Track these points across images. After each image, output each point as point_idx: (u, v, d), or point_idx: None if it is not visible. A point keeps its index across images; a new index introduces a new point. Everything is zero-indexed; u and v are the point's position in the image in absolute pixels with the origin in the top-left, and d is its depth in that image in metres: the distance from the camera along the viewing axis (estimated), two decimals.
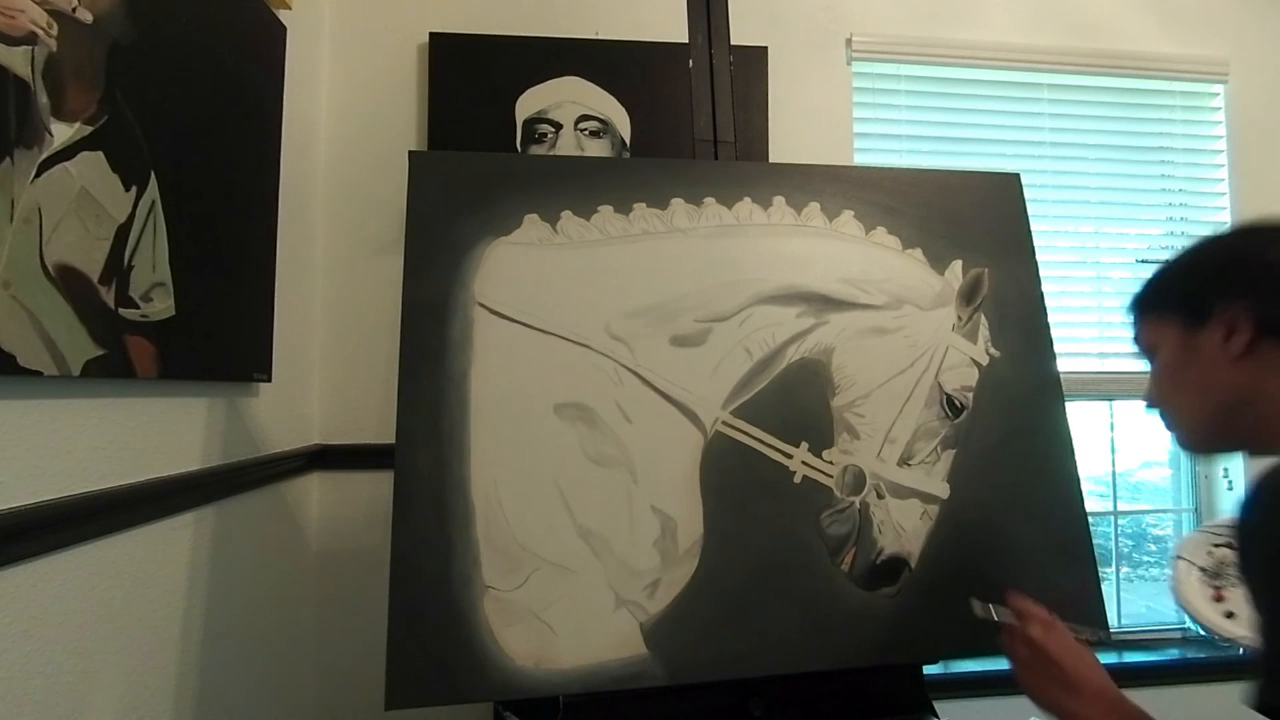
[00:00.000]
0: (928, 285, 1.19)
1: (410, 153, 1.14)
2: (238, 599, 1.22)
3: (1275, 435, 0.68)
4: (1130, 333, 0.87)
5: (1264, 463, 0.65)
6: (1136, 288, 0.85)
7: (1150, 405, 0.82)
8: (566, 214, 1.12)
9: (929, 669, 1.09)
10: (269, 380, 1.32)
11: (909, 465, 1.11)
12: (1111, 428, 1.99)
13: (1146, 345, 0.82)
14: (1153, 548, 2.07)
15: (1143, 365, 0.85)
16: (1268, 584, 0.58)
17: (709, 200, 1.17)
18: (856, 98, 1.87)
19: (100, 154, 0.84)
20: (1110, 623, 1.10)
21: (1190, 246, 0.81)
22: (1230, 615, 1.56)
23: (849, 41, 1.85)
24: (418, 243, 1.07)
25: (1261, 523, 0.59)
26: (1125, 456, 2.00)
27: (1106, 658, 1.73)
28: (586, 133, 1.71)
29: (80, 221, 0.81)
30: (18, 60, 0.72)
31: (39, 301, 0.75)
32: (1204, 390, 0.74)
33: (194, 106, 1.06)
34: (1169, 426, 0.80)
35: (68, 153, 0.79)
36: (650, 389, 1.07)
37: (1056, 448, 1.16)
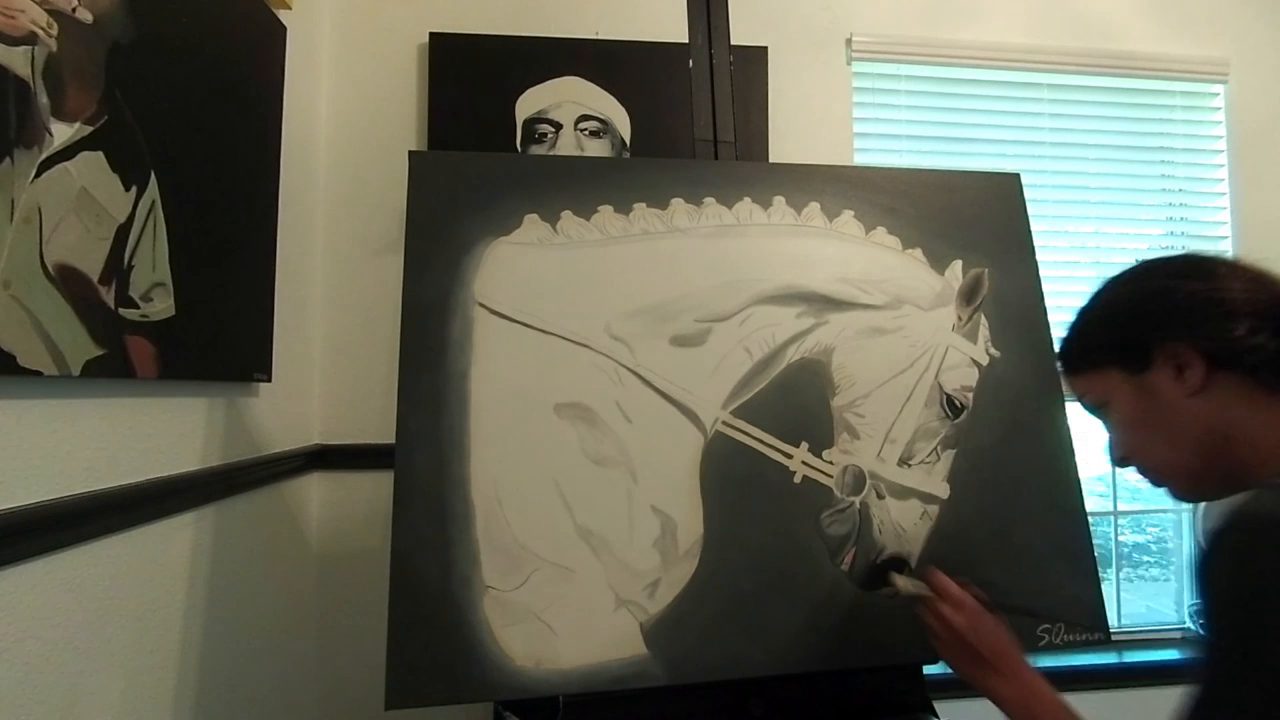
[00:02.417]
0: (928, 285, 1.19)
1: (410, 153, 1.14)
2: (238, 599, 1.22)
3: (1256, 463, 0.65)
4: (1072, 391, 0.84)
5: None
6: (1061, 348, 0.83)
7: (1121, 462, 0.78)
8: (566, 214, 1.12)
9: (929, 669, 1.09)
10: (269, 380, 1.32)
11: (909, 465, 1.11)
12: None
13: (1095, 401, 0.79)
14: (1153, 548, 2.07)
15: None
16: (1222, 638, 0.56)
17: (709, 200, 1.17)
18: (856, 98, 1.87)
19: (100, 154, 0.84)
20: (1110, 623, 1.10)
21: (1100, 293, 0.80)
22: None
23: (849, 41, 1.85)
24: (418, 243, 1.07)
25: (1221, 571, 0.56)
26: None
27: (1107, 657, 1.74)
28: (586, 133, 1.71)
29: (80, 221, 0.81)
30: (18, 60, 0.72)
31: (39, 301, 0.75)
32: (1175, 433, 0.71)
33: (194, 106, 1.06)
34: (1154, 481, 0.76)
35: (68, 153, 0.79)
36: (650, 389, 1.07)
37: (1056, 448, 1.16)
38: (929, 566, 0.93)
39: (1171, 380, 0.70)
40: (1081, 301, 0.84)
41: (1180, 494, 0.76)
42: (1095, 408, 0.79)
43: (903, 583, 0.93)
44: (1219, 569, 0.56)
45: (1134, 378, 0.73)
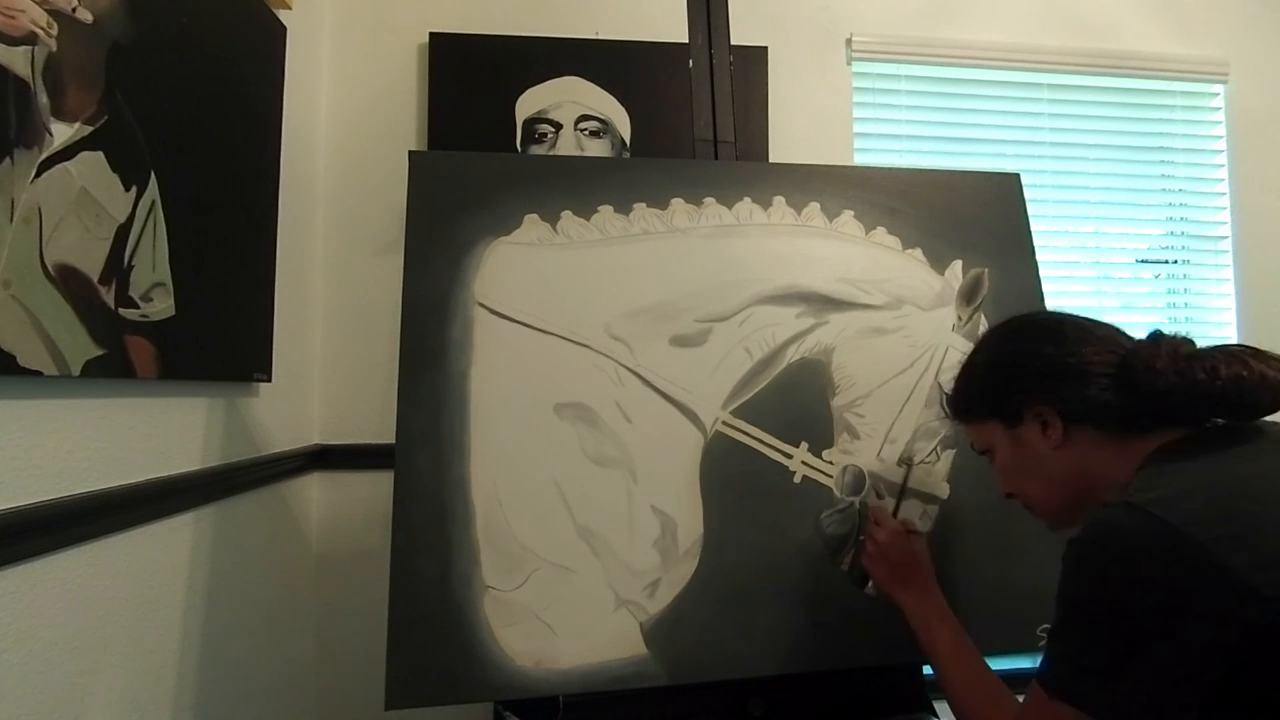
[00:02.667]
0: (928, 285, 1.19)
1: (410, 153, 1.14)
2: (238, 599, 1.22)
3: (1108, 494, 0.75)
4: (963, 435, 0.96)
5: None
6: (949, 395, 0.95)
7: (1007, 496, 0.90)
8: (566, 214, 1.12)
9: (929, 669, 1.09)
10: (269, 380, 1.32)
11: (909, 466, 1.11)
12: None
13: (981, 447, 0.91)
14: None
15: None
16: (1063, 595, 0.69)
17: (709, 200, 1.17)
18: (856, 98, 1.87)
19: (100, 154, 0.84)
20: None
21: (979, 350, 0.92)
22: None
23: (849, 41, 1.85)
24: (418, 243, 1.07)
25: (1068, 566, 0.70)
26: None
27: None
28: (586, 133, 1.71)
29: (80, 221, 0.81)
30: (18, 60, 0.72)
31: (39, 301, 0.75)
32: (1045, 477, 0.84)
33: (194, 106, 1.06)
34: (1031, 510, 0.89)
35: (68, 153, 0.79)
36: (650, 389, 1.07)
37: None
38: (875, 504, 1.07)
39: (1039, 434, 0.82)
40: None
41: (1052, 525, 0.87)
42: (983, 451, 0.91)
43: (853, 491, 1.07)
44: (1068, 565, 0.70)
45: (1010, 430, 0.85)
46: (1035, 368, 0.83)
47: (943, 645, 0.91)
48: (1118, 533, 0.66)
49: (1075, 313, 0.88)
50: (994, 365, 0.89)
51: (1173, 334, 0.80)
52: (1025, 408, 0.83)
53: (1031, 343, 0.86)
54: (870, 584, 1.04)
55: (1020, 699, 0.76)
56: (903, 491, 1.09)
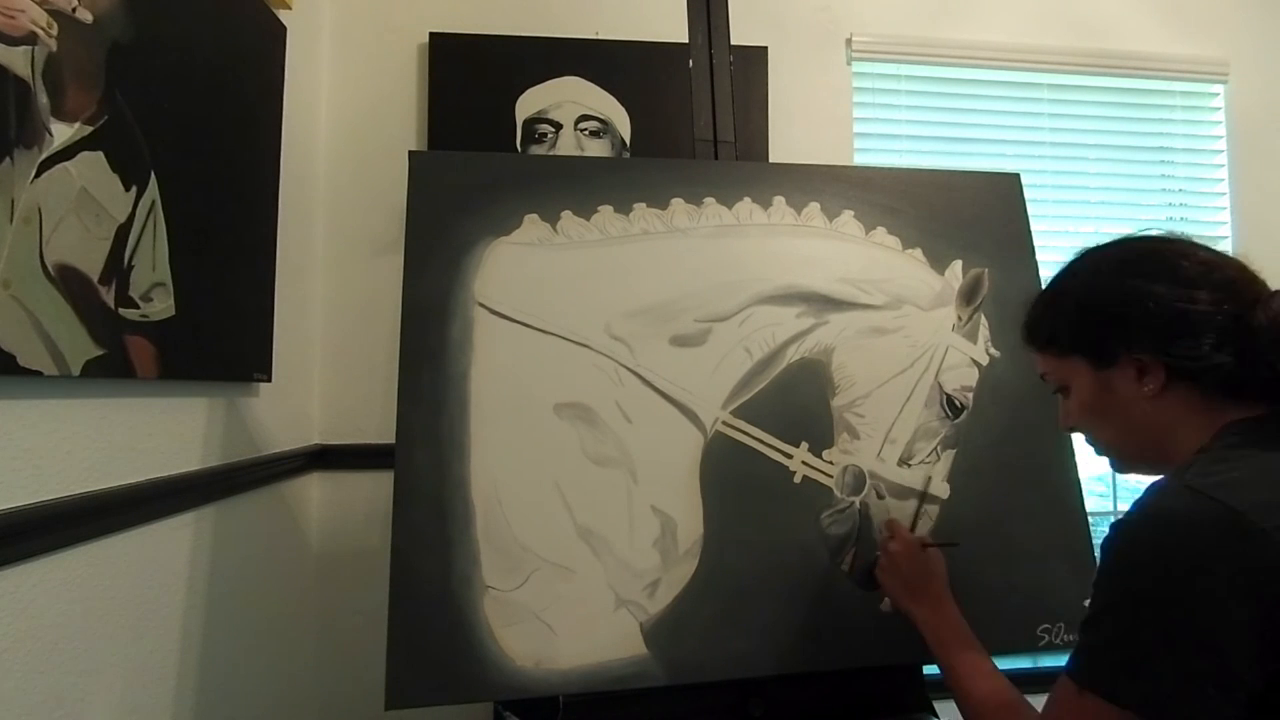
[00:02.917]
0: (928, 285, 1.19)
1: (410, 153, 1.14)
2: (238, 599, 1.22)
3: (1182, 456, 0.72)
4: (1034, 363, 0.87)
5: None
6: (1027, 319, 0.86)
7: (1068, 430, 0.85)
8: (566, 214, 1.12)
9: (929, 669, 1.09)
10: (269, 380, 1.32)
11: (909, 465, 1.11)
12: None
13: (1057, 381, 0.84)
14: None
15: None
16: (1113, 575, 0.66)
17: (709, 200, 1.17)
18: (856, 98, 1.87)
19: (100, 154, 0.84)
20: None
21: (1073, 277, 0.83)
22: None
23: (849, 41, 1.85)
24: (418, 243, 1.07)
25: (1116, 550, 0.66)
26: None
27: None
28: (586, 133, 1.71)
29: (80, 221, 0.81)
30: (18, 60, 0.72)
31: (39, 301, 0.75)
32: (1126, 424, 0.78)
33: (194, 106, 1.06)
34: (1097, 450, 0.84)
35: (68, 153, 0.79)
36: (650, 389, 1.07)
37: (1056, 448, 1.16)
38: (890, 518, 1.05)
39: (1132, 381, 0.75)
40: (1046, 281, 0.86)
41: (1117, 467, 0.83)
42: (1055, 386, 0.84)
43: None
44: (1117, 549, 0.65)
45: (1097, 371, 0.78)
46: (1144, 310, 0.73)
47: (957, 659, 0.88)
48: (1178, 517, 0.62)
49: (1195, 240, 0.78)
50: (1094, 299, 0.79)
51: None
52: (1123, 352, 0.75)
53: (1142, 278, 0.75)
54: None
55: (1038, 708, 0.73)
56: (921, 503, 1.10)
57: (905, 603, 0.96)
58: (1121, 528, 0.66)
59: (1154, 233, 0.82)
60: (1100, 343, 0.77)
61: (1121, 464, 0.82)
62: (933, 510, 1.10)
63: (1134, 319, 0.75)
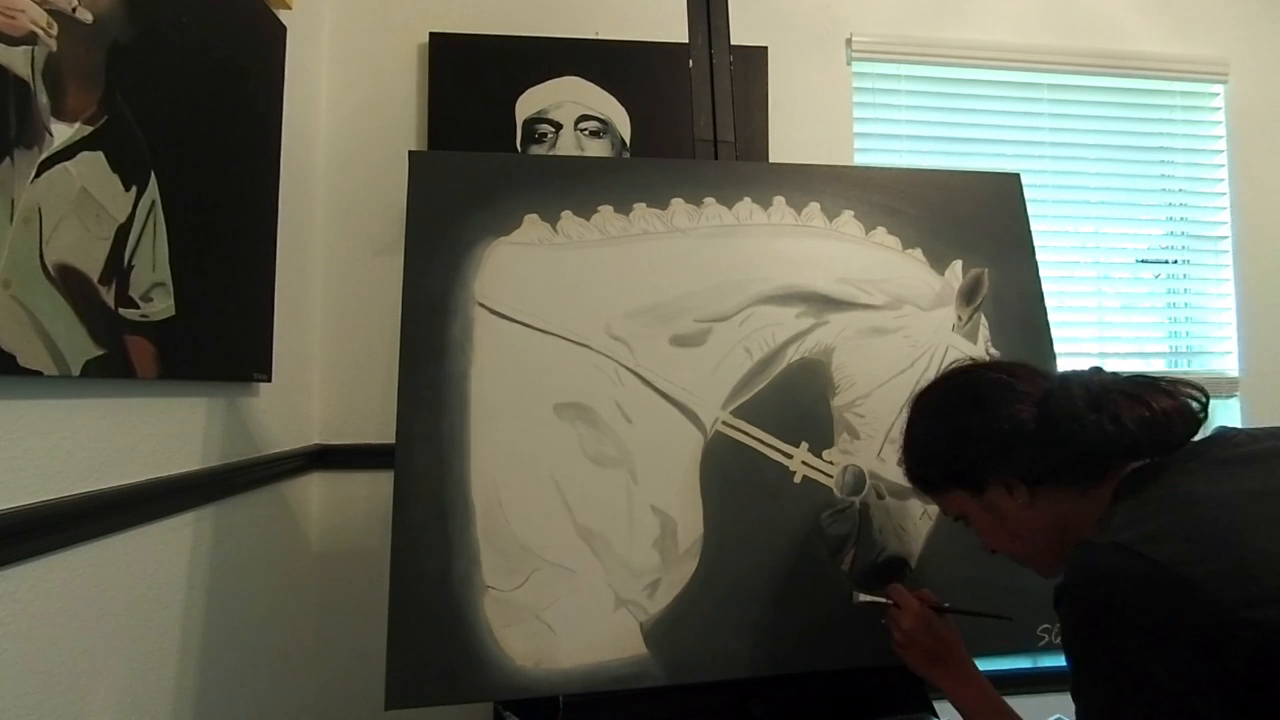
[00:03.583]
0: (928, 285, 1.19)
1: (410, 153, 1.14)
2: (238, 599, 1.22)
3: (1078, 533, 0.75)
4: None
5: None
6: (906, 471, 0.93)
7: (993, 553, 0.90)
8: (566, 214, 1.12)
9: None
10: (269, 380, 1.32)
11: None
12: None
13: (953, 514, 0.90)
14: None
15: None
16: (1074, 652, 0.69)
17: (709, 200, 1.17)
18: (856, 98, 1.87)
19: (100, 154, 0.84)
20: None
21: (916, 423, 0.91)
22: None
23: (849, 41, 1.85)
24: (418, 243, 1.07)
25: (1068, 617, 0.69)
26: None
27: None
28: (586, 133, 1.71)
29: (80, 221, 0.81)
30: (18, 60, 0.72)
31: (39, 301, 0.75)
32: (1025, 535, 0.84)
33: (194, 106, 1.06)
34: (1023, 564, 0.88)
35: (68, 153, 0.79)
36: (650, 389, 1.07)
37: None
38: (893, 585, 1.01)
39: (1007, 498, 0.82)
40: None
41: (1042, 573, 0.86)
42: (957, 518, 0.90)
43: (864, 598, 1.01)
44: (1067, 615, 0.68)
45: (976, 498, 0.85)
46: (975, 439, 0.83)
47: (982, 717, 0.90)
48: (1111, 577, 0.66)
49: (991, 363, 0.91)
50: (937, 441, 0.89)
51: (1080, 371, 0.82)
52: (985, 478, 0.83)
53: (960, 414, 0.86)
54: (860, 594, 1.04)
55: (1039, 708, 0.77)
56: (921, 504, 1.09)
57: (928, 672, 0.97)
58: (1067, 591, 0.69)
59: (960, 364, 0.96)
60: (962, 476, 0.85)
61: (1046, 569, 0.85)
62: (933, 510, 1.10)
63: (972, 448, 0.83)
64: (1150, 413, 0.74)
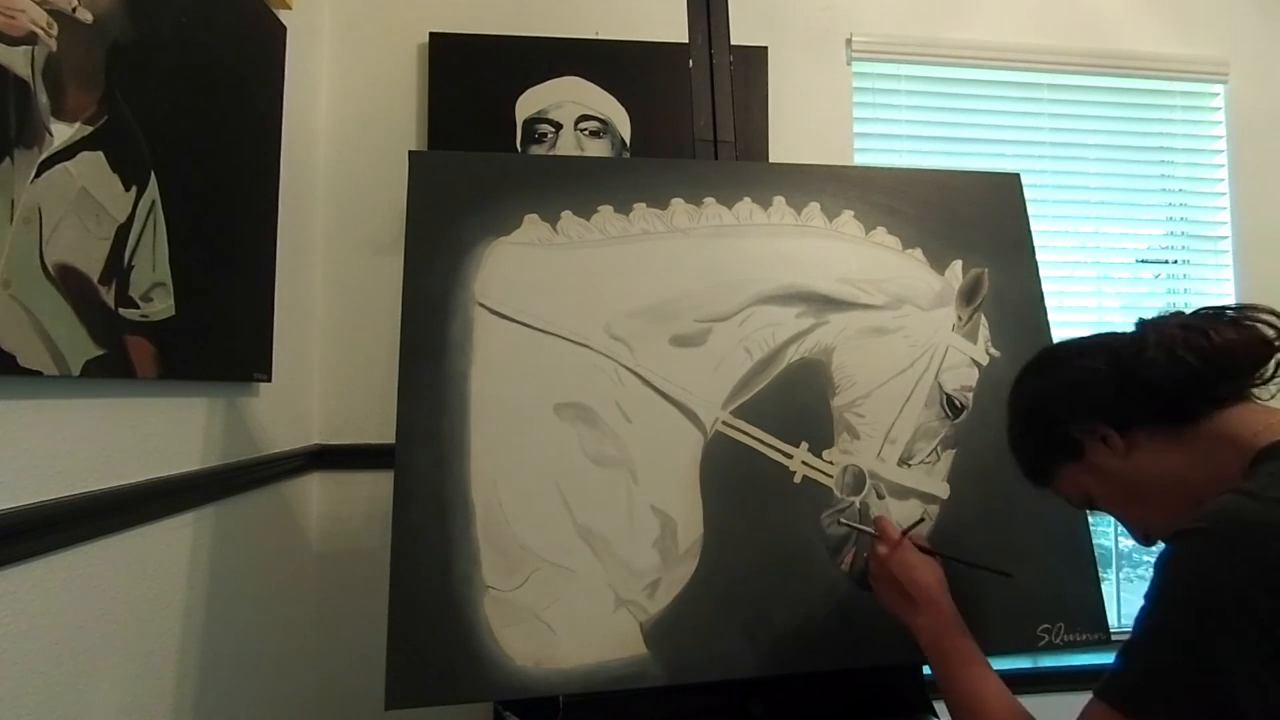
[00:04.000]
0: (928, 285, 1.19)
1: (410, 153, 1.14)
2: (238, 599, 1.22)
3: (1216, 485, 0.69)
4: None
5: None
6: (1021, 472, 0.90)
7: (1146, 541, 0.83)
8: (566, 214, 1.12)
9: (929, 669, 1.09)
10: (269, 380, 1.32)
11: (909, 465, 1.11)
12: None
13: (1078, 499, 0.86)
14: (1152, 548, 2.06)
15: None
16: (1170, 598, 0.63)
17: (709, 200, 1.17)
18: (856, 98, 1.87)
19: (100, 154, 0.84)
20: (1110, 623, 1.10)
21: (1009, 416, 0.90)
22: None
23: (849, 41, 1.85)
24: (418, 243, 1.07)
25: (1178, 557, 0.63)
26: None
27: (1106, 657, 1.72)
28: (586, 133, 1.71)
29: (80, 221, 0.81)
30: (18, 60, 0.72)
31: (39, 301, 0.75)
32: (1143, 494, 0.78)
33: (194, 106, 1.06)
34: (1161, 537, 0.80)
35: (68, 153, 0.79)
36: (650, 389, 1.07)
37: None
38: (879, 514, 1.01)
39: (1106, 452, 0.79)
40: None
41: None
42: (1082, 502, 0.86)
43: (845, 521, 1.02)
44: (1178, 556, 0.63)
45: (1083, 465, 0.81)
46: (1056, 398, 0.82)
47: (962, 674, 0.83)
48: (1247, 518, 0.60)
49: (1062, 339, 0.90)
50: (1025, 420, 0.88)
51: (1155, 317, 0.80)
52: (1078, 435, 0.81)
53: (1038, 381, 0.86)
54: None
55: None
56: (921, 503, 1.09)
57: (899, 610, 0.91)
58: (1183, 538, 0.63)
59: (1033, 357, 0.92)
60: (1058, 444, 0.83)
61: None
62: (933, 510, 1.10)
63: (1056, 409, 0.82)
64: (1209, 344, 0.72)
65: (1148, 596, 0.64)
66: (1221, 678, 0.57)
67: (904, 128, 1.89)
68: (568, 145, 1.69)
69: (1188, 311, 0.80)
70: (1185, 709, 0.59)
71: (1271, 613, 0.56)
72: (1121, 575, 1.94)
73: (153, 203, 0.95)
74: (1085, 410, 0.80)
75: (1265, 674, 0.56)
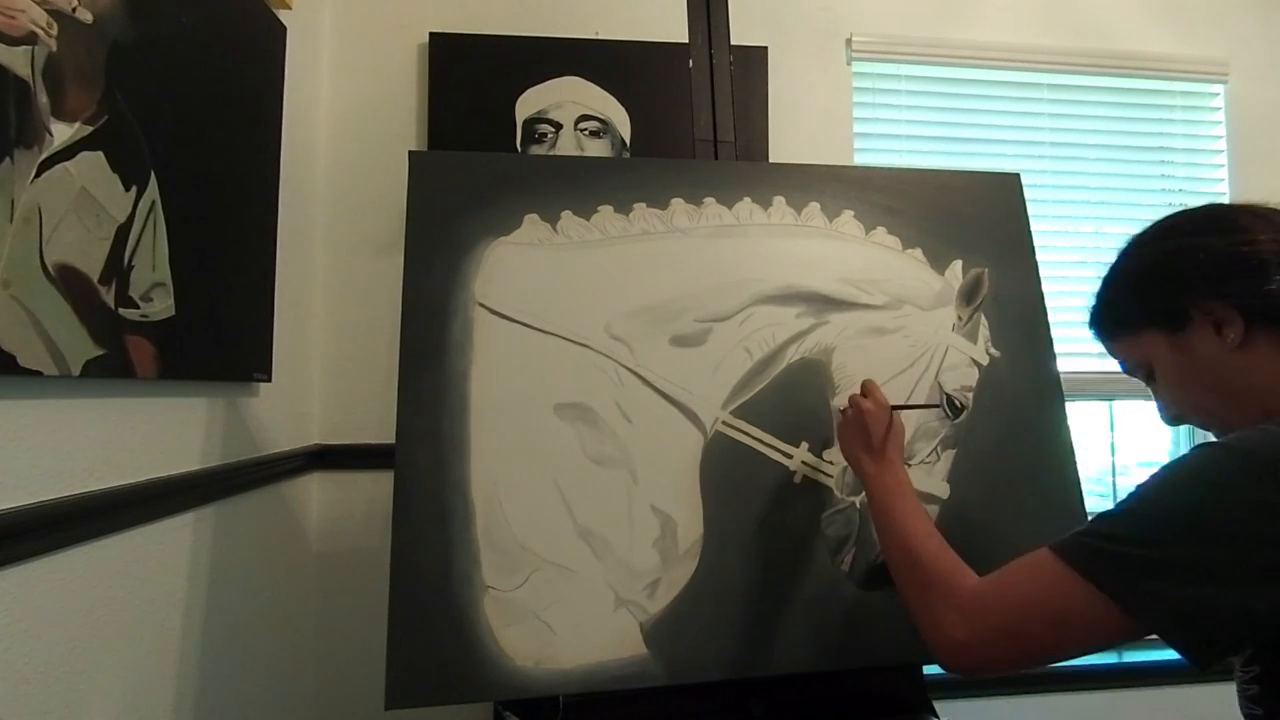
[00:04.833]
0: (928, 285, 1.19)
1: (410, 153, 1.14)
2: (238, 599, 1.22)
3: (1276, 409, 0.68)
4: (1109, 355, 0.85)
5: None
6: (1091, 312, 0.85)
7: (1174, 421, 0.80)
8: (566, 214, 1.12)
9: (929, 669, 1.09)
10: (269, 380, 1.32)
11: (909, 465, 1.11)
12: (1111, 427, 1.99)
13: (1137, 363, 0.81)
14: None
15: None
16: (1161, 485, 0.63)
17: (709, 200, 1.17)
18: (856, 98, 1.87)
19: (100, 154, 0.84)
20: None
21: (1125, 256, 0.82)
22: None
23: (849, 41, 1.85)
24: (418, 243, 1.07)
25: (1183, 463, 0.63)
26: (1125, 456, 2.00)
27: (1107, 657, 1.73)
28: (586, 133, 1.71)
29: (80, 221, 0.81)
30: (18, 60, 0.72)
31: (39, 301, 0.75)
32: (1223, 388, 0.73)
33: (194, 106, 1.06)
34: (1209, 430, 0.78)
35: (68, 153, 0.79)
36: (650, 389, 1.07)
37: (1056, 448, 1.16)
38: (867, 379, 1.02)
39: (1212, 338, 0.72)
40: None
41: (1220, 431, 0.77)
42: (1138, 369, 0.81)
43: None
44: (1199, 459, 0.62)
45: (1173, 337, 0.75)
46: (1200, 260, 0.73)
47: (903, 517, 0.84)
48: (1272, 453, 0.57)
49: (1248, 204, 0.77)
50: (1149, 267, 0.78)
51: None
52: (1193, 308, 0.73)
53: (1193, 235, 0.75)
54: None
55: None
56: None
57: (859, 457, 0.95)
58: (1216, 448, 0.62)
59: (1201, 205, 0.81)
60: (1165, 305, 0.75)
61: (1228, 432, 0.74)
62: (933, 510, 1.10)
63: (1189, 271, 0.73)
64: None
65: (1142, 484, 0.63)
66: (1188, 582, 0.57)
67: (904, 128, 1.89)
68: (568, 145, 1.70)
69: None
70: (1130, 582, 0.59)
71: (1264, 543, 0.56)
72: None
73: (153, 202, 0.95)
74: (1225, 288, 0.71)
75: (1249, 592, 0.56)
